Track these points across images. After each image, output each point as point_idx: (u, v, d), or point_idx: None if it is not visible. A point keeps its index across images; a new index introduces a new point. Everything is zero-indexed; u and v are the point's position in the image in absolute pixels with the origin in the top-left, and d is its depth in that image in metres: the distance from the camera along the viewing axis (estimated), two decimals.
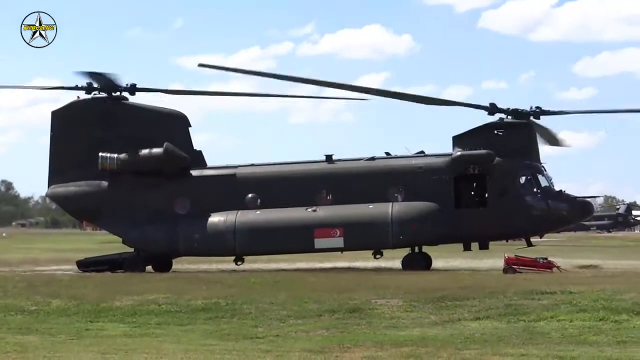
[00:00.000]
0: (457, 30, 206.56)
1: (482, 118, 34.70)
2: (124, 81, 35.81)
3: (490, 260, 36.02)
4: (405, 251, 34.25)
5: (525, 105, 34.53)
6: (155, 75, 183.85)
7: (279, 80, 37.81)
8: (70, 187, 35.56)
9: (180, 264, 36.81)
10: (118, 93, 35.82)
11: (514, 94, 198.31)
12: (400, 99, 36.27)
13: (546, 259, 30.84)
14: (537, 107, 34.39)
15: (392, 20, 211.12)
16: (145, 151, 34.72)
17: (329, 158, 35.06)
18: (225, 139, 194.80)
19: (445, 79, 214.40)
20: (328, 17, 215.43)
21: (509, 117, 34.35)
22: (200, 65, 36.42)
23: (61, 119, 36.03)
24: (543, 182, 34.03)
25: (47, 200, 50.08)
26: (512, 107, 34.39)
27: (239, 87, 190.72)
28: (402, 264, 33.49)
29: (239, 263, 34.15)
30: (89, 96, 35.78)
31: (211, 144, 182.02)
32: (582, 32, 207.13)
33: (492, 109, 34.40)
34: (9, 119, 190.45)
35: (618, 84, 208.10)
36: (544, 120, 34.42)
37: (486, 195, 34.05)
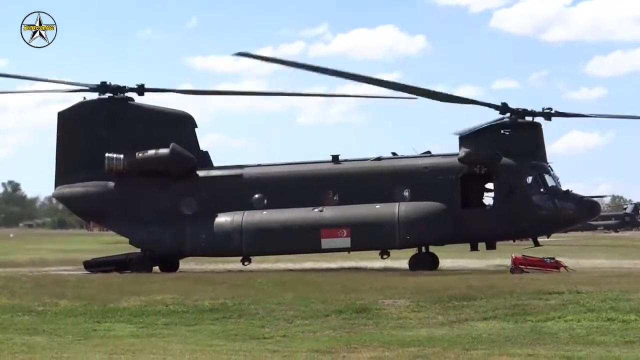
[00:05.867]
0: (470, 31, 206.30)
1: (492, 118, 34.58)
2: (133, 81, 35.92)
3: (498, 260, 36.00)
4: (412, 251, 34.21)
5: (535, 105, 34.47)
6: (165, 75, 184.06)
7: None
8: (77, 188, 35.56)
9: (187, 265, 36.83)
10: (124, 94, 35.90)
11: (524, 93, 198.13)
12: (413, 93, 35.53)
13: (553, 258, 30.79)
14: (548, 108, 34.27)
15: (405, 20, 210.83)
16: (151, 152, 34.74)
17: (335, 158, 35.06)
18: (233, 140, 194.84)
19: (456, 79, 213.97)
20: (341, 17, 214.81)
21: (519, 117, 34.20)
22: (237, 54, 34.82)
23: (67, 119, 36.04)
24: (550, 182, 33.95)
25: (54, 201, 50.08)
26: (522, 106, 34.25)
27: (248, 88, 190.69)
28: (409, 264, 33.45)
29: (246, 263, 34.13)
30: (95, 96, 35.88)
31: (220, 145, 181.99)
32: (595, 31, 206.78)
33: (503, 108, 34.28)
34: (17, 120, 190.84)
35: (630, 83, 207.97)
36: (554, 121, 34.37)
37: (493, 195, 34.05)
